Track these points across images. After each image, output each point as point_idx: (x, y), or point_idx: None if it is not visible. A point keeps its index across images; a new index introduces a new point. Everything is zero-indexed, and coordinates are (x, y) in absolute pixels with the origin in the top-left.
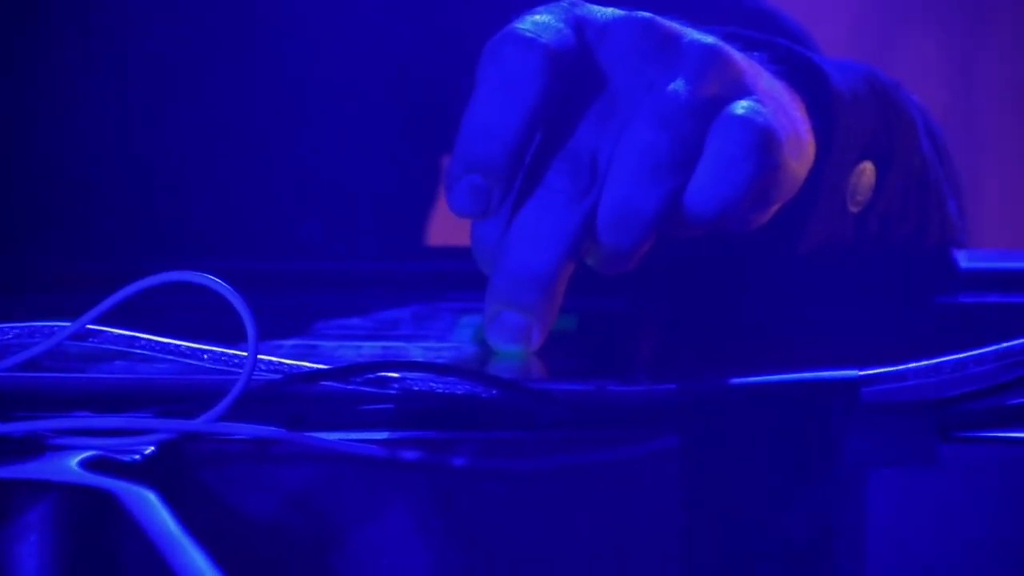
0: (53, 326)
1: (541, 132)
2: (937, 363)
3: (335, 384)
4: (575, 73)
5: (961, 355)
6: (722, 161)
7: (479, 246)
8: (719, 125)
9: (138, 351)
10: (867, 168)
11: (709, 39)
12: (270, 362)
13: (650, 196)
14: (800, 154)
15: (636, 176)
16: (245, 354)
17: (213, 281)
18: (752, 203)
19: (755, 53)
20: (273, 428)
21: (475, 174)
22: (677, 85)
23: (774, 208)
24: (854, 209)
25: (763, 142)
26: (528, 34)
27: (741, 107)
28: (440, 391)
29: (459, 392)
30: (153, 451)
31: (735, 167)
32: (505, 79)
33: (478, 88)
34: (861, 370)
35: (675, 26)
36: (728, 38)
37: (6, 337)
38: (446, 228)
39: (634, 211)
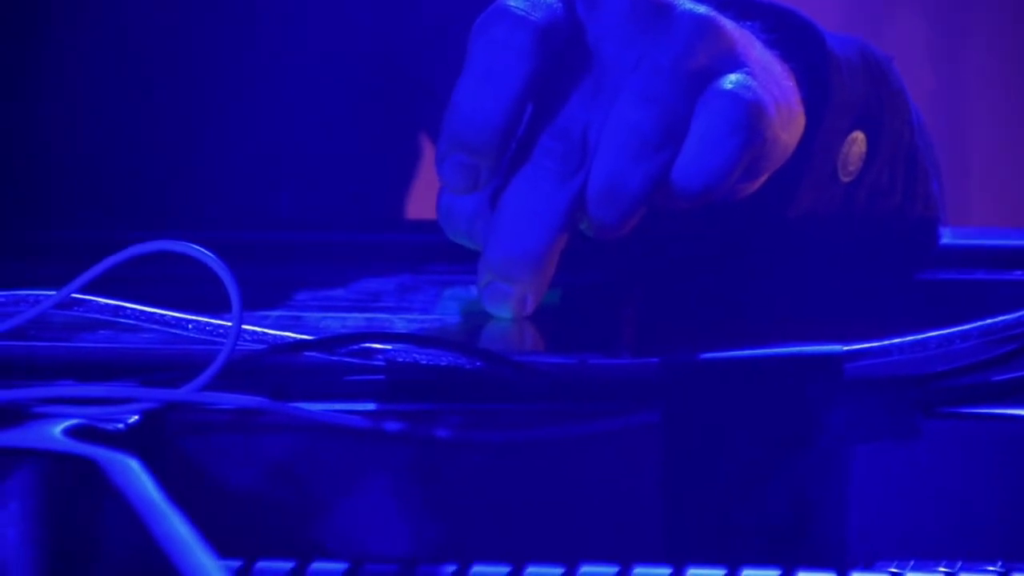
0: (38, 295)
1: (531, 106)
2: (922, 339)
3: (319, 355)
4: (566, 47)
5: (946, 331)
6: (709, 136)
7: (448, 217)
8: (707, 99)
9: (123, 320)
10: (859, 137)
11: (701, 9)
12: (254, 332)
13: (637, 173)
14: (790, 125)
15: (623, 154)
16: (229, 324)
17: (199, 251)
18: (740, 176)
19: (748, 22)
20: (256, 398)
21: (463, 152)
22: (666, 59)
23: (763, 178)
24: (845, 179)
25: (751, 117)
26: (518, 11)
27: (730, 81)
28: (424, 363)
29: (443, 364)
30: (137, 420)
31: (722, 142)
32: (494, 58)
33: (467, 65)
34: (845, 345)
35: None
36: (722, 6)
37: None
38: (431, 200)
39: (621, 187)
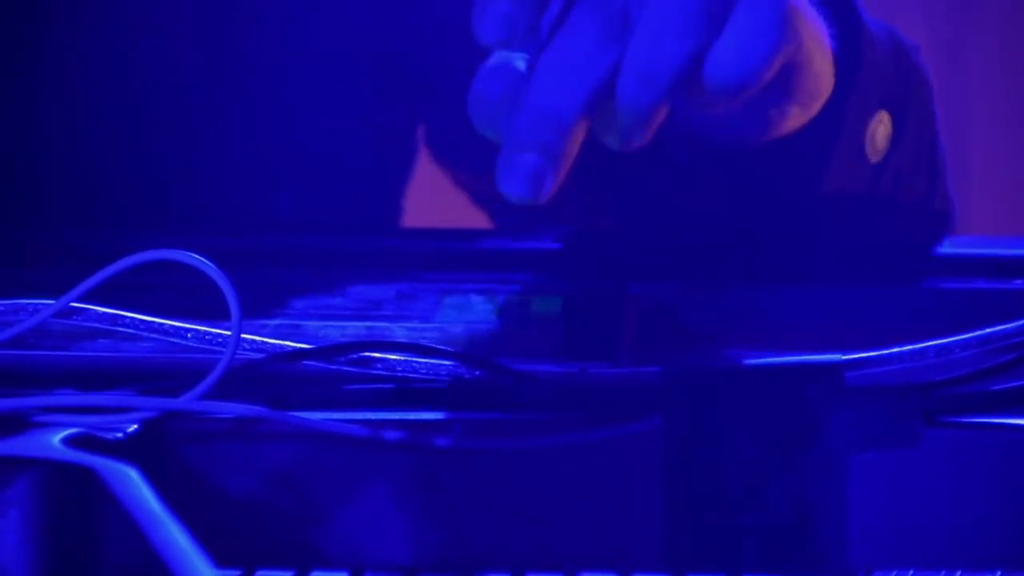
0: (37, 304)
1: None
2: (922, 348)
3: (318, 364)
4: None
5: (946, 340)
6: (748, 26)
7: (478, 102)
8: None
9: (122, 329)
10: (884, 118)
11: None
12: (253, 341)
13: (674, 49)
14: (823, 56)
15: (663, 27)
16: (228, 333)
17: (198, 260)
18: (773, 87)
19: None
20: (255, 407)
21: (503, 1)
22: None
23: (792, 112)
24: (873, 158)
25: (790, 16)
26: None
27: None
28: (423, 372)
29: (442, 373)
30: (136, 429)
31: (761, 33)
32: None
33: None
34: (846, 354)
35: None
36: None
37: None
38: (427, 209)
39: (657, 63)
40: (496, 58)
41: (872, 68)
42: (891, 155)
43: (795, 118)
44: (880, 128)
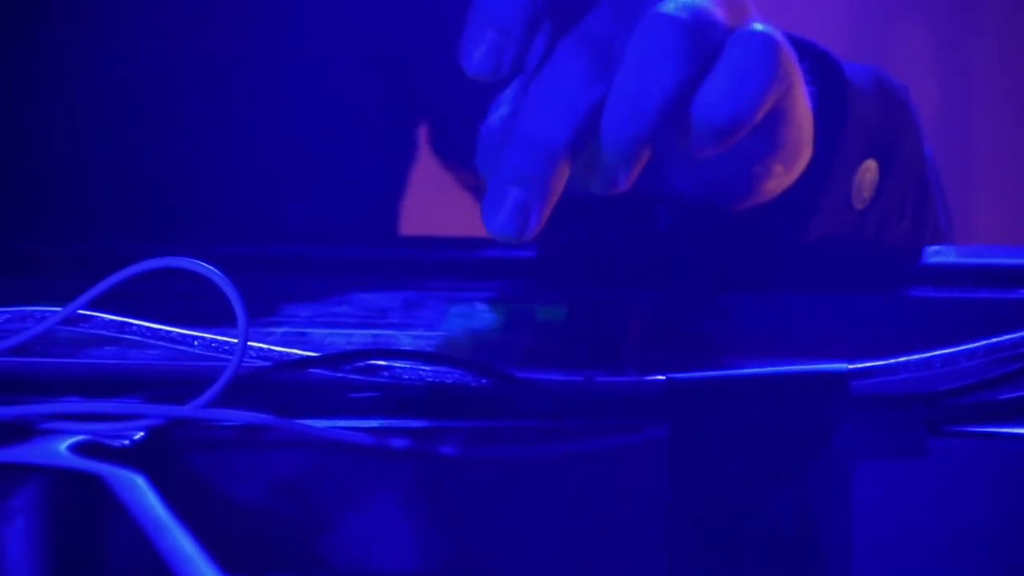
0: (44, 311)
1: (559, 21)
2: (927, 357)
3: (324, 371)
4: None
5: (952, 350)
6: (739, 67)
7: (483, 151)
8: (739, 35)
9: (128, 337)
10: (871, 166)
11: None
12: (260, 349)
13: (660, 83)
14: (804, 106)
15: (649, 61)
16: (235, 341)
17: (204, 267)
18: (758, 136)
19: None
20: (262, 415)
21: (490, 30)
22: None
23: (775, 171)
24: (858, 206)
25: (781, 57)
26: None
27: (762, 26)
28: (429, 379)
29: (448, 381)
30: (142, 436)
31: (752, 72)
32: None
33: None
34: (851, 363)
35: None
36: None
37: None
38: (429, 215)
39: (643, 96)
40: (501, 110)
41: (858, 121)
42: (877, 200)
43: (778, 179)
44: (867, 176)
